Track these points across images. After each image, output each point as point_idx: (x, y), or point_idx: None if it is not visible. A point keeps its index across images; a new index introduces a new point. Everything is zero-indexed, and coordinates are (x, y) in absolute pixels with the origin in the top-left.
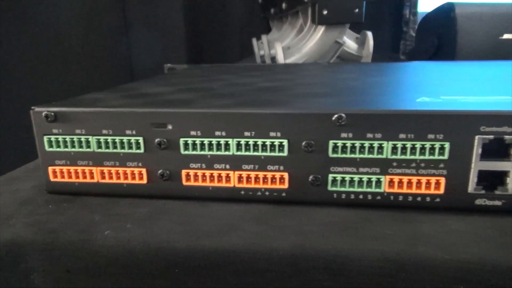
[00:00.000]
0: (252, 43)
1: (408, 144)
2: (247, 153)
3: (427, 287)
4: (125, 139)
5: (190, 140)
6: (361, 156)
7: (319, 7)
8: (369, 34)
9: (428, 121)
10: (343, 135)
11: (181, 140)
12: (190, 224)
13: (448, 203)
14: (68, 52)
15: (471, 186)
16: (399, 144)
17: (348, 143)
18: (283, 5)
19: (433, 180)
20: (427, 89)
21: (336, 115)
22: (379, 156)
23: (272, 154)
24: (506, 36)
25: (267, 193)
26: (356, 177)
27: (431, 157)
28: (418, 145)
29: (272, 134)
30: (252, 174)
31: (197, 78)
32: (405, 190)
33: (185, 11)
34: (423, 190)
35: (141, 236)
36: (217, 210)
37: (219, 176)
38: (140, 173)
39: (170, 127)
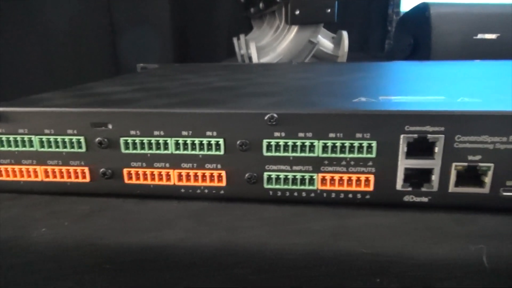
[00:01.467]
0: (233, 42)
1: (338, 143)
2: (185, 152)
3: (346, 281)
4: (66, 138)
5: (130, 140)
6: (294, 154)
7: (291, 7)
8: (345, 33)
9: (355, 120)
10: (276, 134)
11: (122, 140)
12: (127, 221)
13: (377, 200)
14: (53, 52)
15: (399, 183)
16: (329, 143)
17: (281, 142)
18: (261, 5)
19: (362, 177)
20: (370, 89)
21: (268, 115)
22: (311, 154)
23: (209, 153)
24: (480, 35)
25: (206, 190)
26: (290, 175)
27: (360, 155)
28: (347, 143)
29: (208, 133)
30: (191, 173)
31: (158, 77)
32: (337, 187)
33: (172, 9)
34: (353, 187)
35: (76, 233)
36: (156, 208)
37: (159, 174)
38: (83, 172)
39: (110, 126)
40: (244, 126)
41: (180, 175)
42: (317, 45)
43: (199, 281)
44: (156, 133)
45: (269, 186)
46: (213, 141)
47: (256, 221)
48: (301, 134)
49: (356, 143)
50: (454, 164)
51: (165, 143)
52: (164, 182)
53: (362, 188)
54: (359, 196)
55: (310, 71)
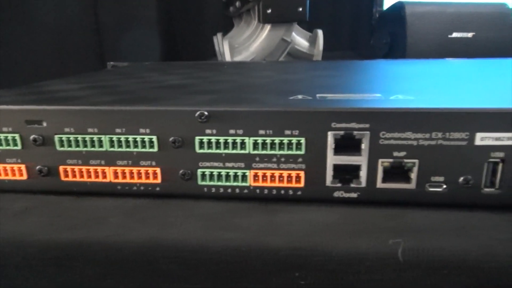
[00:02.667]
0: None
1: (268, 140)
2: (120, 149)
3: (266, 275)
4: (2, 136)
5: (64, 137)
6: (226, 151)
7: (262, 6)
8: (320, 32)
9: (283, 117)
10: (208, 131)
11: (56, 137)
12: (61, 218)
13: (309, 196)
14: (38, 50)
15: (328, 179)
16: (260, 140)
17: (213, 139)
18: (237, 4)
19: (293, 174)
20: (313, 87)
21: (198, 112)
22: (243, 151)
23: (143, 150)
24: (455, 34)
25: (142, 187)
26: (223, 172)
27: (290, 152)
28: (277, 140)
29: (142, 130)
30: (127, 170)
31: (117, 76)
32: (269, 183)
33: (159, 7)
34: (285, 184)
35: (9, 230)
36: (92, 205)
37: (96, 171)
38: (20, 169)
39: (45, 124)
40: (176, 123)
41: (115, 172)
42: (291, 43)
43: (125, 276)
44: (90, 130)
45: (203, 183)
46: (146, 138)
47: (187, 217)
48: (232, 131)
49: (285, 140)
50: (380, 160)
51: (100, 141)
52: (100, 179)
53: (293, 184)
54: (290, 192)
55: (271, 69)
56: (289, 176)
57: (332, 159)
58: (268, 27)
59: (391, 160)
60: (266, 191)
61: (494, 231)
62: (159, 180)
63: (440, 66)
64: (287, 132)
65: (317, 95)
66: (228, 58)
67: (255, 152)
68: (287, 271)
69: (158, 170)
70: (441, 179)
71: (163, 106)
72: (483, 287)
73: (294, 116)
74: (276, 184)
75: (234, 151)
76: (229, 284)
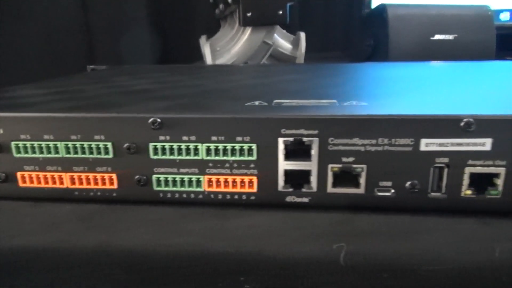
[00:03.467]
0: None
1: (220, 146)
2: (75, 155)
3: (212, 279)
4: None
5: (21, 144)
6: (180, 157)
7: (242, 9)
8: (302, 34)
9: (235, 124)
10: (161, 137)
11: (13, 144)
12: (16, 224)
13: (262, 200)
14: (26, 51)
15: (280, 185)
16: (212, 146)
17: (167, 146)
18: (221, 6)
19: (246, 179)
20: (274, 92)
21: (151, 119)
22: (196, 157)
23: (99, 156)
24: (437, 36)
25: (99, 193)
26: (177, 177)
27: (242, 157)
28: (229, 146)
29: (96, 137)
30: (83, 176)
31: (88, 80)
32: (222, 189)
33: (150, 8)
34: (238, 189)
35: None
36: (48, 210)
37: (52, 177)
38: None
39: (1, 131)
40: (130, 130)
41: (72, 178)
42: (272, 46)
43: (73, 282)
44: (46, 137)
45: (159, 188)
46: (101, 144)
47: (141, 223)
48: (185, 138)
49: (237, 146)
50: (330, 165)
51: (56, 147)
52: (57, 185)
53: (247, 189)
54: (244, 197)
55: (244, 73)
56: (242, 182)
57: (283, 164)
58: (249, 30)
59: (340, 165)
60: (220, 196)
61: (439, 235)
62: (115, 186)
63: (412, 70)
64: (239, 138)
65: (275, 101)
66: (208, 61)
67: (208, 158)
68: (233, 275)
69: (114, 176)
70: (389, 184)
71: (117, 113)
72: None
73: (245, 123)
74: (230, 189)
75: (188, 157)
76: None
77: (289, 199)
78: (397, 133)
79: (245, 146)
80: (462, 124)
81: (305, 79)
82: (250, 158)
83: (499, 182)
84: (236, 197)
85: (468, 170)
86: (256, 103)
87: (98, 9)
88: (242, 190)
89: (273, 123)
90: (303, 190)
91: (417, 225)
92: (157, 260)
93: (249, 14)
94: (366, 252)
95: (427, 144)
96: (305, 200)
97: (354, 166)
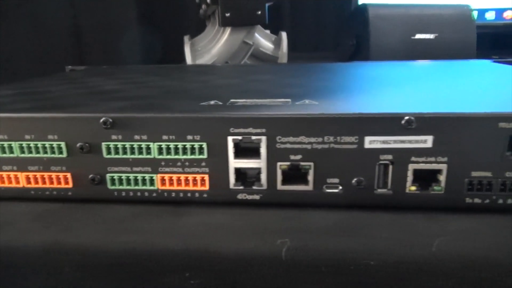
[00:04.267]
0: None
1: (171, 145)
2: (30, 155)
3: (158, 276)
4: None
5: None
6: (133, 156)
7: (221, 9)
8: (284, 34)
9: (185, 123)
10: (114, 137)
11: None
12: None
13: (214, 198)
14: (14, 52)
15: (231, 182)
16: (164, 145)
17: (119, 145)
18: (203, 6)
19: (198, 177)
20: (235, 92)
21: (103, 119)
22: (148, 156)
23: (53, 156)
24: (418, 36)
25: (54, 192)
26: (131, 176)
27: (193, 156)
28: (180, 145)
29: (50, 137)
30: (38, 175)
31: (58, 81)
32: (175, 187)
33: (139, 8)
34: (191, 187)
35: None
36: (3, 209)
37: (8, 177)
38: None
39: None
40: (83, 129)
41: (28, 178)
42: (253, 46)
43: (25, 280)
44: (0, 137)
45: (113, 187)
46: (55, 144)
47: (95, 221)
48: (137, 137)
49: (188, 145)
50: (278, 163)
51: (10, 147)
52: (13, 184)
53: (199, 187)
54: (197, 195)
55: (215, 74)
56: (194, 180)
57: (233, 162)
58: (228, 30)
59: (288, 163)
60: (173, 194)
61: (383, 230)
62: (70, 185)
63: (378, 70)
64: (189, 137)
65: (231, 100)
66: (189, 61)
67: (160, 156)
68: (178, 271)
69: (68, 175)
70: (336, 180)
71: (69, 113)
72: (359, 285)
73: (195, 122)
74: (183, 187)
75: (140, 156)
76: (121, 285)
77: (240, 196)
78: (342, 131)
79: (196, 145)
80: (403, 122)
81: (274, 79)
82: (201, 156)
83: (442, 178)
84: (189, 195)
85: (411, 167)
86: (212, 102)
87: (88, 9)
88: (195, 188)
89: (222, 122)
90: (254, 187)
91: (363, 220)
92: (107, 258)
93: (228, 15)
94: (308, 247)
95: (370, 142)
96: (256, 197)
97: (302, 163)
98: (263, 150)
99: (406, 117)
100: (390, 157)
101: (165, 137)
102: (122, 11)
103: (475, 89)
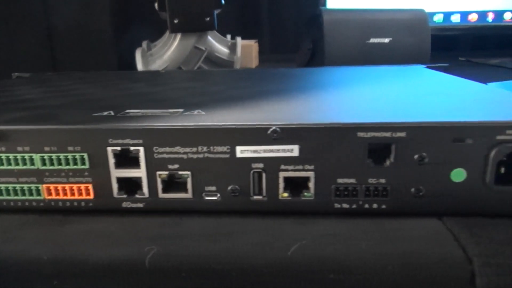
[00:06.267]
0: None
1: (54, 156)
2: None
3: (29, 283)
4: None
5: None
6: (18, 167)
7: (169, 16)
8: (238, 39)
9: (64, 135)
10: None
11: None
12: None
13: (100, 207)
14: None
15: (115, 191)
16: (46, 156)
17: (3, 156)
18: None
19: (82, 187)
20: (133, 102)
21: None
22: (33, 167)
23: None
24: (373, 40)
25: None
26: (18, 186)
27: (75, 166)
28: (62, 156)
29: None
30: None
31: None
32: (61, 196)
33: (114, 11)
34: (76, 196)
35: None
36: None
37: None
38: None
39: None
40: None
41: None
42: (206, 51)
43: None
44: None
45: (0, 197)
46: None
47: None
48: (20, 148)
49: (69, 156)
50: (157, 172)
51: None
52: None
53: (84, 196)
54: (83, 204)
55: (141, 81)
56: (79, 189)
57: (115, 172)
58: (179, 35)
59: (167, 172)
60: (60, 204)
61: (251, 235)
62: None
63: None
64: (70, 148)
65: (127, 110)
66: (139, 67)
67: (44, 167)
68: (47, 279)
69: None
70: (214, 188)
71: None
72: None
73: (75, 134)
74: (68, 197)
75: (25, 167)
76: None
77: (125, 204)
78: (214, 142)
79: (77, 156)
80: (269, 132)
81: (194, 86)
82: (83, 167)
83: (311, 185)
84: (75, 204)
85: (282, 175)
86: (105, 113)
87: (61, 13)
88: (80, 197)
89: (101, 134)
90: (137, 196)
91: (236, 226)
92: None
93: (176, 21)
94: (171, 254)
95: (242, 151)
96: (140, 205)
97: (180, 172)
98: (142, 160)
99: (272, 128)
100: (261, 165)
101: (47, 148)
102: (97, 15)
103: (363, 98)
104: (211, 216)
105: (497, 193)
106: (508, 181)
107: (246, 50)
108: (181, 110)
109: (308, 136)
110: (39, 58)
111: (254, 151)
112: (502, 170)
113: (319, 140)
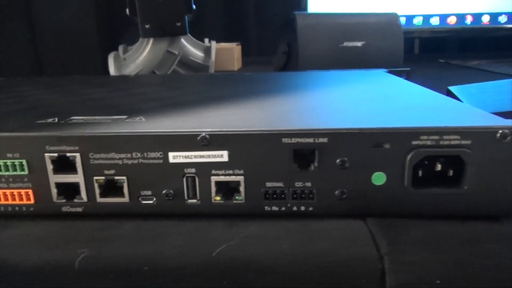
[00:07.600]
0: None
1: None
2: None
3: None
4: None
5: None
6: None
7: (140, 21)
8: (213, 43)
9: (3, 142)
10: None
11: None
12: None
13: (40, 211)
14: None
15: (54, 196)
16: None
17: None
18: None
19: (23, 192)
20: (81, 108)
21: None
22: None
23: None
24: (346, 43)
25: None
26: None
27: (15, 172)
28: (1, 162)
29: None
30: None
31: None
32: (3, 201)
33: (99, 15)
34: (17, 201)
35: None
36: None
37: None
38: None
39: None
40: None
41: None
42: (179, 55)
43: None
44: None
45: None
46: None
47: None
48: None
49: (8, 162)
50: (94, 178)
51: None
52: None
53: (25, 201)
54: (24, 208)
55: (103, 86)
56: (20, 194)
57: (53, 178)
58: (151, 40)
59: (103, 177)
60: (2, 209)
61: (182, 238)
62: None
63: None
64: (9, 155)
65: (72, 117)
66: (112, 71)
67: None
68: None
69: None
70: (149, 192)
71: None
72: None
73: (13, 141)
74: (10, 202)
75: None
76: None
77: (64, 209)
78: (147, 148)
79: (16, 162)
80: (198, 139)
81: (150, 92)
82: (22, 173)
83: (241, 189)
84: (17, 208)
85: (213, 179)
86: (50, 120)
87: (44, 16)
88: (21, 202)
89: (38, 141)
90: (75, 200)
91: (170, 228)
92: None
93: (147, 26)
94: (101, 256)
95: (174, 157)
96: (79, 209)
97: (116, 177)
98: (78, 166)
99: (201, 135)
100: (193, 170)
101: None
102: (82, 18)
103: (297, 104)
104: (148, 219)
105: (415, 195)
106: (426, 184)
107: (227, 52)
108: (125, 116)
109: (236, 142)
110: (25, 61)
111: (186, 157)
112: (420, 173)
113: (247, 146)
